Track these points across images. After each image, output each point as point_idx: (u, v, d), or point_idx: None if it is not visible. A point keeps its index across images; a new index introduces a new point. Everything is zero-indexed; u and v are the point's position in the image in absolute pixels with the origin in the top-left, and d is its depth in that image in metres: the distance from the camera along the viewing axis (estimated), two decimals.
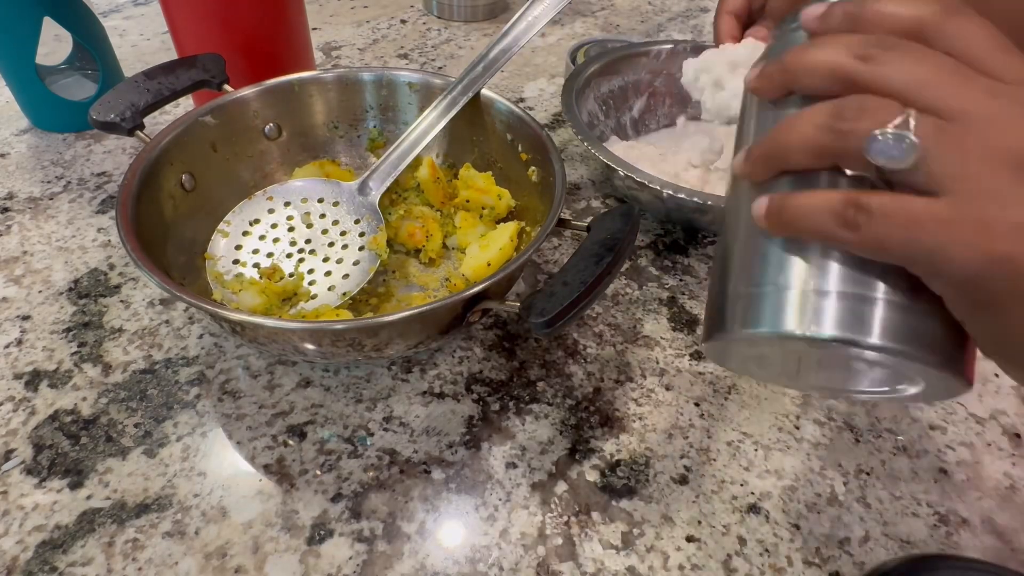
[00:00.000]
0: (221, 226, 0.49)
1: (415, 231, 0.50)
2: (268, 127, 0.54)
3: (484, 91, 0.51)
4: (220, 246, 0.48)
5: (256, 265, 0.47)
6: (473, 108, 0.52)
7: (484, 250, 0.47)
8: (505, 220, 0.51)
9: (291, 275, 0.47)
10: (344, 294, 0.46)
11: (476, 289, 0.37)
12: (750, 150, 0.27)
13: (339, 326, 0.39)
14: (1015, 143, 0.21)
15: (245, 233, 0.49)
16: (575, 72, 0.60)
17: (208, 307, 0.36)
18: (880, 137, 0.22)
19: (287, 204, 0.50)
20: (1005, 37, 0.23)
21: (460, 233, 0.50)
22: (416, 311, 0.36)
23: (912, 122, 0.22)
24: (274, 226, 0.49)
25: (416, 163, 0.52)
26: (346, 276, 0.47)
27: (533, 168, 0.49)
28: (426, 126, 0.51)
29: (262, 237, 0.49)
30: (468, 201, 0.51)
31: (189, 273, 0.46)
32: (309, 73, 0.55)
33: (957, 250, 0.21)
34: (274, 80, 0.53)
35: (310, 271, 0.47)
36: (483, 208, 0.51)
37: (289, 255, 0.48)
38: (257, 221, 0.50)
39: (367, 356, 0.41)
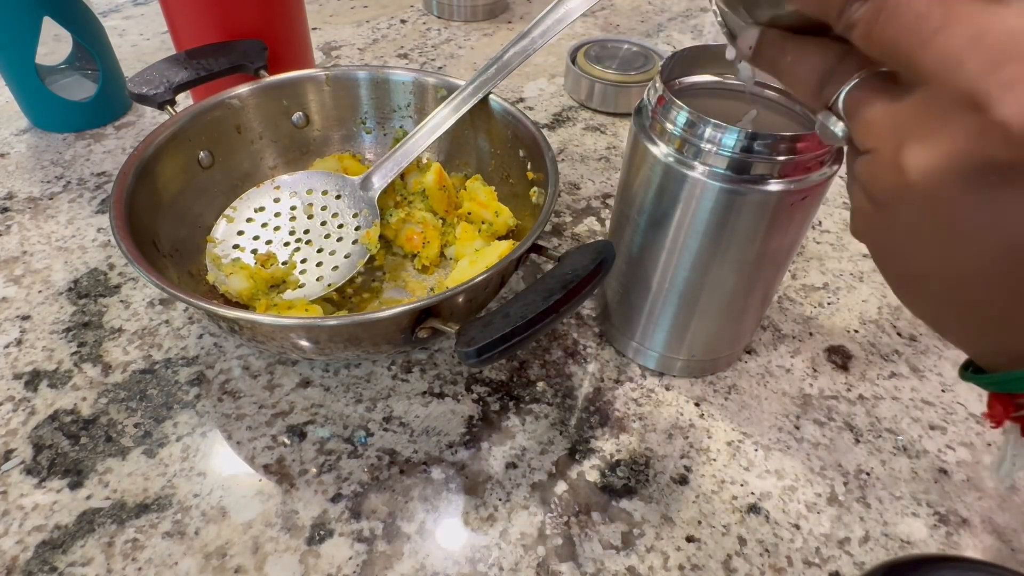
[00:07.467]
0: (227, 211, 0.50)
1: (413, 236, 0.50)
2: (296, 116, 0.55)
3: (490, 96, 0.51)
4: (222, 230, 0.49)
5: (254, 251, 0.48)
6: (489, 119, 0.52)
7: (472, 265, 0.45)
8: (505, 238, 0.50)
9: (284, 263, 0.47)
10: (329, 285, 0.46)
11: (419, 305, 0.36)
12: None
13: (283, 322, 0.38)
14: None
15: (248, 220, 0.50)
16: None
17: (202, 304, 0.36)
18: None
19: (293, 194, 0.51)
20: None
21: (458, 244, 0.50)
22: (354, 319, 0.37)
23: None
24: (277, 215, 0.50)
25: (426, 168, 0.52)
26: (335, 268, 0.47)
27: (536, 189, 0.49)
28: (432, 125, 0.51)
29: (264, 225, 0.49)
30: (470, 213, 0.50)
31: (184, 247, 0.47)
32: (342, 68, 0.56)
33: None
34: (307, 71, 0.55)
35: (303, 260, 0.48)
36: (483, 222, 0.50)
37: (286, 243, 0.48)
38: (262, 209, 0.50)
39: (316, 355, 0.42)
